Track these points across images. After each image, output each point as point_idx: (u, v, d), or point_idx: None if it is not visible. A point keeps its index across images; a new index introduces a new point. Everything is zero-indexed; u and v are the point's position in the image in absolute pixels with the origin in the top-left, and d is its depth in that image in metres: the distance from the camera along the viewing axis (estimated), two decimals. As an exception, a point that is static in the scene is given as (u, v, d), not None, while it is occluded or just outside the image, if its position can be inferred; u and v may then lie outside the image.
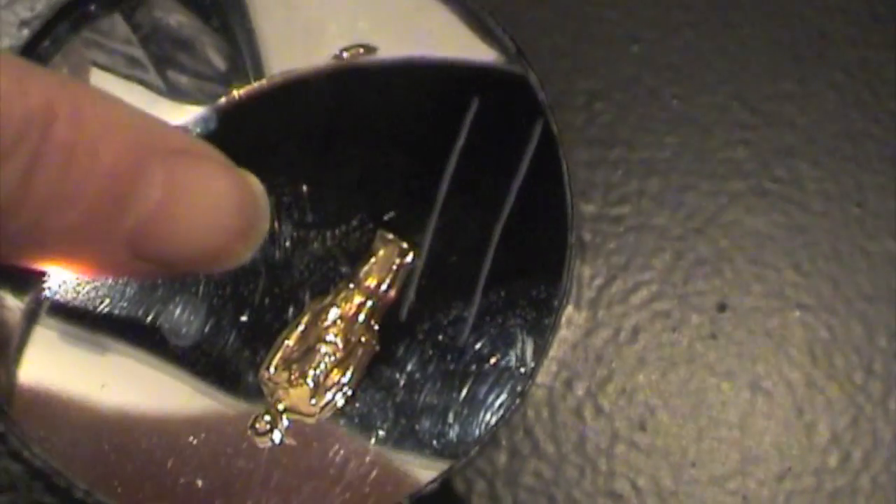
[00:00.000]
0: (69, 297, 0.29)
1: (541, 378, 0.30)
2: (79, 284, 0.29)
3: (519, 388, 0.29)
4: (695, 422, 0.31)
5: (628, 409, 0.31)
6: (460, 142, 0.30)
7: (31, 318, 0.29)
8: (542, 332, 0.29)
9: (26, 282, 0.29)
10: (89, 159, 0.19)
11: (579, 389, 0.31)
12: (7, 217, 0.19)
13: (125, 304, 0.29)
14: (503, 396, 0.29)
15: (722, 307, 0.31)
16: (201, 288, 0.29)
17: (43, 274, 0.29)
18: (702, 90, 0.33)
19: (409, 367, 0.29)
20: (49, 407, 0.28)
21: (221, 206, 0.21)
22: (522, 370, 0.29)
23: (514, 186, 0.30)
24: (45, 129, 0.19)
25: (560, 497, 0.30)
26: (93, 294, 0.29)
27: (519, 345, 0.29)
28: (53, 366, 0.29)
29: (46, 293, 0.29)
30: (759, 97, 0.33)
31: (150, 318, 0.29)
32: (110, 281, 0.29)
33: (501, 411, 0.28)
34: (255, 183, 0.22)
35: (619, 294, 0.31)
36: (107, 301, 0.29)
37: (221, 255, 0.21)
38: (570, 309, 0.31)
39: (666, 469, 0.30)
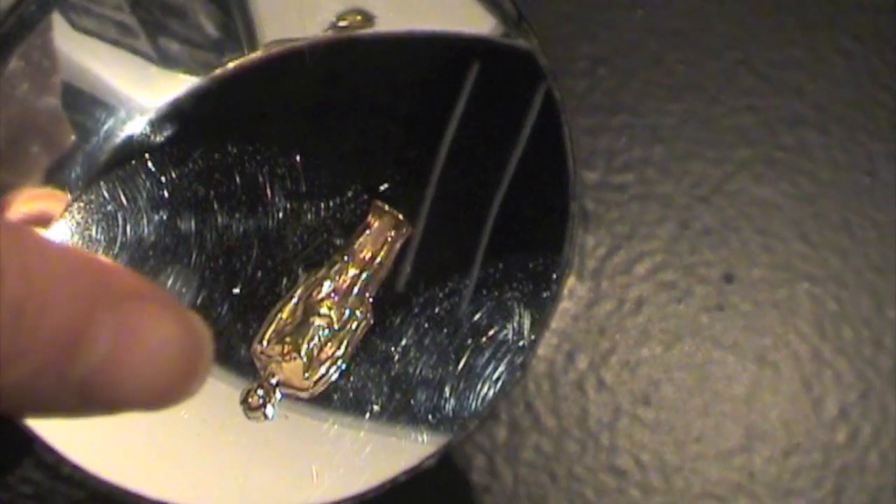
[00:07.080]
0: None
1: (542, 351, 0.30)
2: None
3: (517, 361, 0.28)
4: (700, 396, 0.30)
5: (631, 383, 0.30)
6: (460, 110, 0.30)
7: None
8: (541, 305, 0.29)
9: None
10: (39, 314, 0.20)
11: (581, 362, 0.30)
12: None
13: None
14: (500, 370, 0.28)
15: (729, 278, 0.31)
16: (193, 260, 0.29)
17: None
18: (707, 56, 0.33)
19: (404, 341, 0.29)
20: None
21: (168, 351, 0.22)
22: (521, 343, 0.28)
23: (516, 154, 0.30)
24: None
25: (561, 473, 0.29)
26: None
27: (517, 317, 0.29)
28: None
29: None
30: (767, 63, 0.33)
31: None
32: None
33: (499, 385, 0.28)
34: (199, 324, 0.23)
35: (622, 264, 0.31)
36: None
37: (167, 396, 0.22)
38: (572, 280, 0.30)
39: (670, 444, 0.30)
